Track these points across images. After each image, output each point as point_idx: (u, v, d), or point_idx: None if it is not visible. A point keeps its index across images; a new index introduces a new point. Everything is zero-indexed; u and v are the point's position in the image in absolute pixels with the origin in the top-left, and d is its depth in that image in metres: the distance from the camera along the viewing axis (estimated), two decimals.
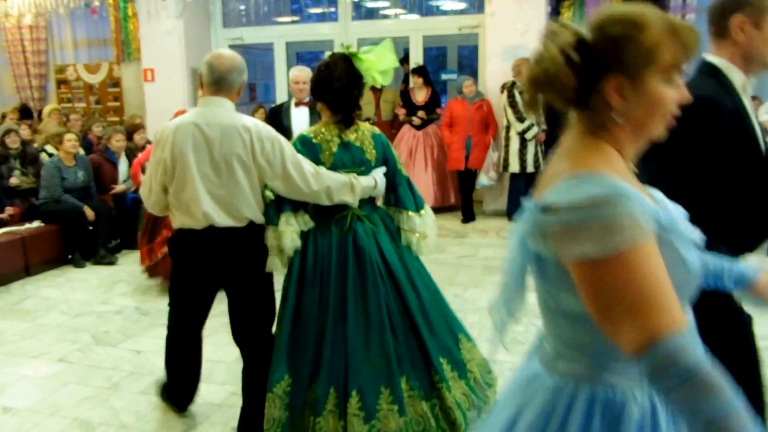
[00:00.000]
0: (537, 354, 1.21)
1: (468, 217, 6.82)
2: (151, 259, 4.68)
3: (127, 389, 3.22)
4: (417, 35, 7.84)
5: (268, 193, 2.52)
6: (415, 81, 7.13)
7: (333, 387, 2.38)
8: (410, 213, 2.62)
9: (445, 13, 8.51)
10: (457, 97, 6.84)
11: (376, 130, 2.65)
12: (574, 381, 1.09)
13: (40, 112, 8.37)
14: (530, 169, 6.47)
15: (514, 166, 6.53)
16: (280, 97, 8.19)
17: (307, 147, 2.51)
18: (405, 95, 7.34)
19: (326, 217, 2.52)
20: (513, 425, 1.13)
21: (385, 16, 8.64)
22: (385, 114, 7.52)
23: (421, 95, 7.16)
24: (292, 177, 2.40)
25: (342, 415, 2.36)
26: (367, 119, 6.70)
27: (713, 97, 1.72)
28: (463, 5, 8.33)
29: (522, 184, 6.45)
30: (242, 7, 8.29)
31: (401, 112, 7.28)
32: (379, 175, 2.58)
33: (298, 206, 2.49)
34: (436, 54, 10.54)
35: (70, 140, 5.72)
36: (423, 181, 6.95)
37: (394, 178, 2.64)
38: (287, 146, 2.45)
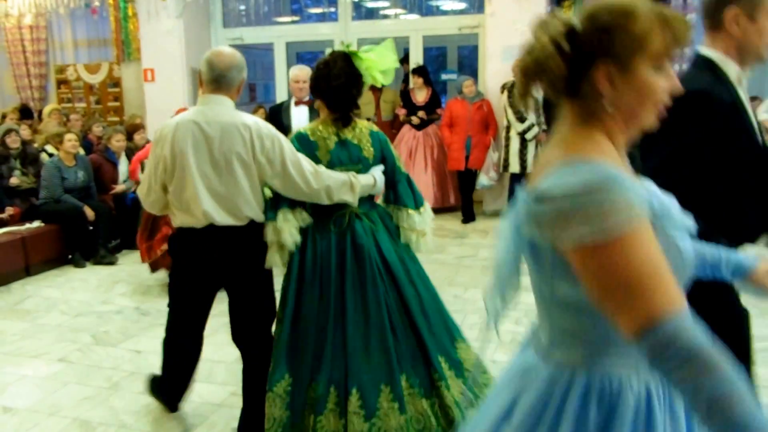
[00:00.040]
0: (531, 344, 1.21)
1: (468, 217, 6.81)
2: (151, 257, 4.68)
3: (127, 389, 3.21)
4: (417, 35, 7.84)
5: (267, 191, 2.51)
6: (415, 81, 7.12)
7: (333, 386, 2.37)
8: (410, 210, 2.62)
9: (445, 13, 8.51)
10: (457, 98, 6.83)
11: (374, 127, 2.64)
12: (569, 370, 1.09)
13: (40, 112, 8.37)
14: (530, 169, 6.47)
15: (515, 167, 6.53)
16: (280, 97, 8.19)
17: (304, 144, 2.51)
18: (405, 95, 7.34)
19: (325, 215, 2.51)
20: (508, 414, 1.13)
21: (385, 16, 8.65)
22: (385, 114, 7.51)
23: (421, 95, 7.15)
24: (292, 175, 2.39)
25: (343, 413, 2.35)
26: (368, 119, 6.69)
27: (709, 90, 1.71)
28: (463, 5, 8.33)
29: (522, 184, 6.43)
30: (242, 7, 8.29)
31: (401, 113, 7.27)
32: (378, 173, 2.57)
33: (295, 203, 2.48)
34: (436, 54, 10.54)
35: (71, 140, 5.73)
36: (423, 181, 6.94)
37: (393, 175, 2.63)
38: (287, 144, 2.45)
